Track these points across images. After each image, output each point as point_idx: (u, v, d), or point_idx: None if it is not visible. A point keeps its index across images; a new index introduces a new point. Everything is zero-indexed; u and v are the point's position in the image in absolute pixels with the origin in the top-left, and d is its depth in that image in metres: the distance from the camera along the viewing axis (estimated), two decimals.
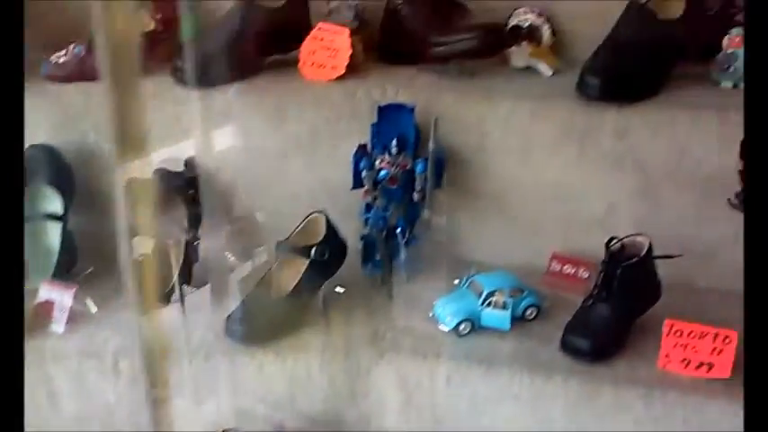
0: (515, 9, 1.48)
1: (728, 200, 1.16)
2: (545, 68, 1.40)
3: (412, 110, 1.26)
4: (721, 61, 1.30)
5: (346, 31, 1.35)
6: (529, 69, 1.42)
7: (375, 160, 1.25)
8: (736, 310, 1.13)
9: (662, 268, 1.25)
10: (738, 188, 1.15)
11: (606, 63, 1.24)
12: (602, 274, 1.14)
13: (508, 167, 1.32)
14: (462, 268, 1.26)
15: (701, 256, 1.30)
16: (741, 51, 1.28)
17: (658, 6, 1.33)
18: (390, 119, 1.26)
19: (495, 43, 1.32)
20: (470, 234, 1.37)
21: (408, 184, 1.26)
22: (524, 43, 1.44)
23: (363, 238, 1.31)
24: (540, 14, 1.47)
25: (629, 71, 1.24)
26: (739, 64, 1.29)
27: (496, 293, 1.17)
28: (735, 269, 1.19)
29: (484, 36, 1.30)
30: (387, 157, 1.24)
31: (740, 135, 1.13)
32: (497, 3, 1.50)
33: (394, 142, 1.24)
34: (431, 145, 1.23)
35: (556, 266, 1.30)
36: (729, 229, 1.24)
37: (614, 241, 1.14)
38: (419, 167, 1.24)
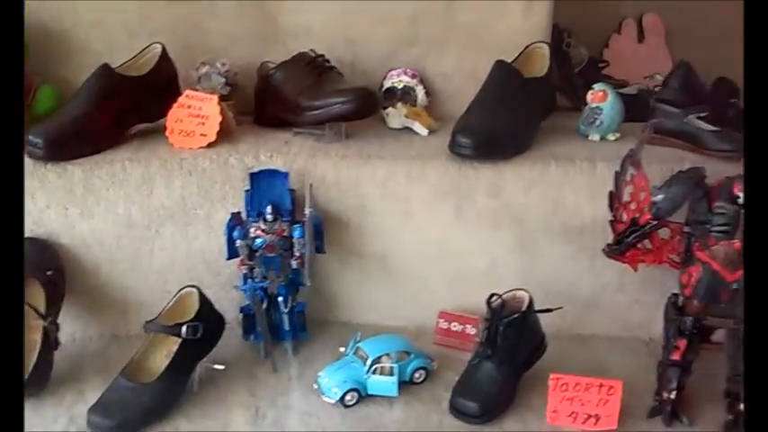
0: (389, 71, 1.49)
1: (603, 249, 1.17)
2: (420, 129, 1.40)
3: (286, 175, 1.22)
4: (587, 115, 1.35)
5: (215, 98, 1.31)
6: (406, 130, 1.43)
7: (250, 228, 1.19)
8: (622, 355, 1.14)
9: (547, 319, 1.25)
10: (610, 238, 1.17)
11: (476, 122, 1.26)
12: (485, 332, 1.12)
13: (390, 228, 1.30)
14: (350, 334, 1.21)
15: (585, 305, 1.31)
16: (604, 105, 1.33)
17: (523, 65, 1.37)
18: (264, 185, 1.22)
19: (367, 106, 1.31)
20: (358, 297, 1.34)
21: (287, 250, 1.21)
22: (399, 104, 1.45)
23: (243, 309, 1.24)
24: (413, 76, 1.49)
25: (499, 129, 1.26)
26: (604, 117, 1.34)
27: (383, 359, 1.13)
28: (617, 316, 1.22)
29: (356, 99, 1.30)
30: (262, 224, 1.19)
31: (608, 186, 1.17)
32: (372, 65, 1.52)
33: (269, 209, 1.20)
34: (307, 210, 1.19)
35: (444, 324, 1.28)
36: (608, 277, 1.27)
37: (494, 298, 1.12)
38: (296, 233, 1.20)
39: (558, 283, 1.30)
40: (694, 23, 2.08)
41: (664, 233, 1.13)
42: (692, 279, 1.04)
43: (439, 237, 1.29)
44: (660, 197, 1.03)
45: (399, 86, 1.47)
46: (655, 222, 1.06)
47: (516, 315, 1.11)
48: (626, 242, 1.09)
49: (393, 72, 1.49)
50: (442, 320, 1.28)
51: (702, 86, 1.37)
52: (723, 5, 2.05)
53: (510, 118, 1.28)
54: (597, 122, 1.33)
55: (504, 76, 1.30)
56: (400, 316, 1.34)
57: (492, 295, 1.13)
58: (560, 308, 1.16)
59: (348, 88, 1.33)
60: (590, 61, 1.80)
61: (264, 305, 1.22)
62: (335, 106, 1.30)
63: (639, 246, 1.12)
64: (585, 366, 1.19)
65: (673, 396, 1.08)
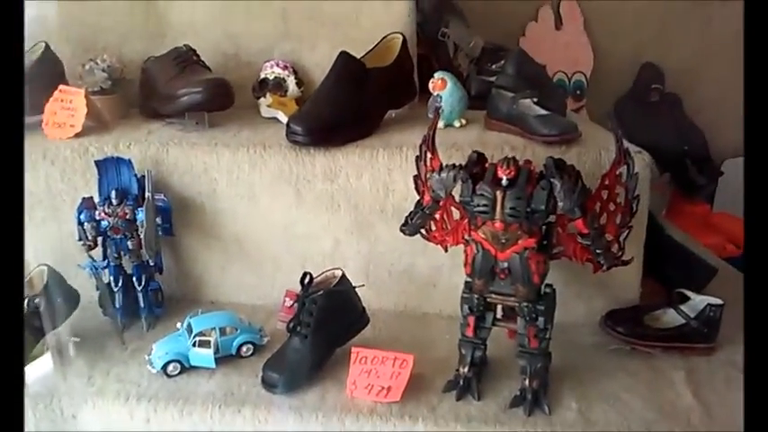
0: (264, 63, 1.57)
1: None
2: (283, 118, 1.48)
3: (129, 162, 1.32)
4: (430, 103, 1.40)
5: (82, 92, 1.41)
6: (275, 119, 1.50)
7: (96, 212, 1.29)
8: (455, 332, 1.19)
9: (392, 297, 1.33)
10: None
11: (311, 111, 1.33)
12: (297, 310, 1.19)
13: (240, 212, 1.38)
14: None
15: (425, 285, 1.37)
16: (443, 93, 1.38)
17: (379, 55, 1.43)
18: (111, 172, 1.32)
19: (217, 96, 1.39)
20: (221, 278, 1.43)
21: (132, 232, 1.31)
22: (268, 95, 1.53)
23: (99, 288, 1.35)
24: (285, 67, 1.56)
25: (334, 117, 1.32)
26: (444, 105, 1.38)
27: (205, 333, 1.22)
28: (454, 295, 1.27)
29: (205, 90, 1.38)
30: (107, 208, 1.29)
31: None
32: (254, 57, 1.60)
33: (113, 193, 1.29)
34: (147, 195, 1.29)
35: (288, 302, 1.35)
36: (442, 258, 1.32)
37: (307, 277, 1.19)
38: (139, 216, 1.29)
39: (398, 263, 1.36)
40: (613, 10, 2.09)
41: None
42: (469, 258, 1.08)
43: (284, 220, 1.37)
44: (435, 179, 1.08)
45: (271, 77, 1.55)
46: (432, 204, 1.11)
47: (320, 292, 1.18)
48: (412, 224, 1.14)
49: (267, 64, 1.57)
50: (287, 299, 1.36)
51: (539, 72, 1.40)
52: None
53: (348, 106, 1.34)
54: (440, 109, 1.38)
55: (344, 67, 1.36)
56: (260, 295, 1.42)
57: (305, 274, 1.20)
58: (362, 285, 1.22)
59: (201, 79, 1.41)
60: (486, 50, 1.82)
61: (119, 284, 1.32)
62: (188, 96, 1.39)
63: (439, 226, 1.17)
64: (414, 342, 1.26)
65: (466, 370, 1.13)
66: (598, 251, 1.03)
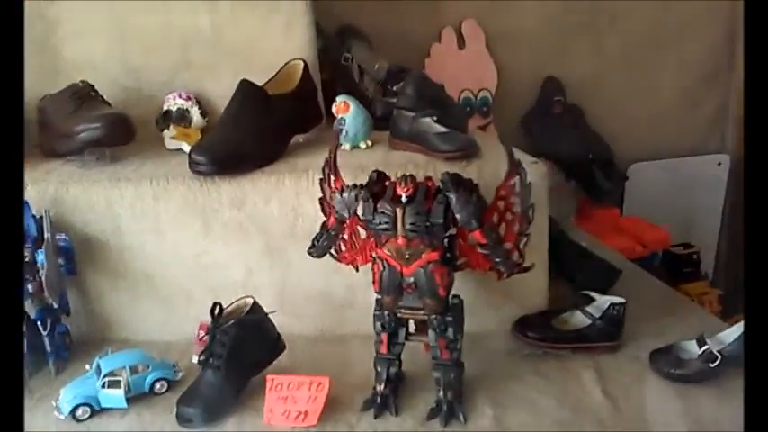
0: (167, 95, 1.56)
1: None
2: (187, 148, 1.46)
3: (25, 204, 1.28)
4: (335, 126, 1.42)
5: None
6: (180, 150, 1.49)
7: None
8: (371, 352, 1.19)
9: (304, 322, 1.32)
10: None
11: (213, 140, 1.32)
12: (208, 342, 1.17)
13: (147, 246, 1.35)
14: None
15: (341, 306, 1.37)
16: (347, 115, 1.40)
17: (281, 81, 1.44)
18: None
19: (116, 131, 1.37)
20: (132, 315, 1.39)
21: (36, 275, 1.26)
22: (172, 126, 1.51)
23: None
24: (188, 98, 1.55)
25: (236, 145, 1.32)
26: (348, 127, 1.40)
27: (115, 373, 1.18)
28: (369, 313, 1.27)
29: (104, 126, 1.36)
30: None
31: None
32: (156, 90, 1.58)
33: None
34: (46, 236, 1.25)
35: (201, 334, 1.33)
36: (355, 277, 1.32)
37: (217, 308, 1.18)
38: (39, 258, 1.25)
39: (313, 286, 1.36)
40: (514, 28, 2.16)
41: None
42: (377, 275, 1.10)
43: (193, 252, 1.35)
44: (337, 200, 1.09)
45: (174, 109, 1.53)
46: (336, 225, 1.12)
47: (231, 321, 1.16)
48: (319, 246, 1.14)
49: (169, 96, 1.56)
50: (200, 331, 1.33)
51: (438, 91, 1.44)
52: (541, 7, 2.15)
53: (251, 134, 1.34)
54: (343, 132, 1.40)
55: (245, 95, 1.36)
56: (173, 330, 1.39)
57: (215, 305, 1.19)
58: (274, 311, 1.21)
59: (99, 114, 1.38)
60: (391, 72, 1.86)
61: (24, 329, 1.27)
62: (86, 133, 1.36)
63: (348, 246, 1.18)
64: (333, 364, 1.25)
65: (382, 387, 1.14)
66: (497, 260, 1.06)
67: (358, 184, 1.10)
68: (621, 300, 1.26)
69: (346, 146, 1.42)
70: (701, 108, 2.38)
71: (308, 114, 1.46)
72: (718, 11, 2.28)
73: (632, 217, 2.17)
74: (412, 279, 1.08)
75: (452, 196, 1.03)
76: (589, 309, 1.27)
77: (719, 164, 2.39)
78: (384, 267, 1.08)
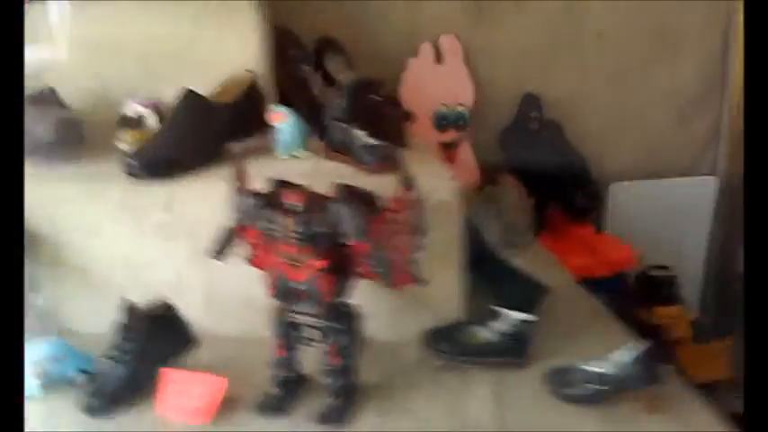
0: (129, 102, 1.64)
1: None
2: None
3: None
4: (271, 135, 1.47)
5: None
6: None
7: None
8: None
9: (229, 324, 1.37)
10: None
11: (149, 146, 1.40)
12: (117, 337, 1.24)
13: (86, 243, 1.42)
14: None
15: (262, 309, 1.41)
16: (283, 125, 1.45)
17: (227, 91, 1.50)
18: None
19: (67, 134, 1.46)
20: (58, 308, 1.46)
21: None
22: (127, 131, 1.59)
23: None
24: (147, 106, 1.62)
25: (172, 151, 1.38)
26: (283, 136, 1.45)
27: (35, 364, 1.25)
28: None
29: (55, 128, 1.45)
30: None
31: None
32: (116, 95, 1.66)
33: None
34: None
35: None
36: None
37: (128, 305, 1.24)
38: None
39: (238, 290, 1.41)
40: (496, 43, 2.18)
41: None
42: (270, 281, 1.14)
43: (127, 250, 1.42)
44: (234, 204, 1.14)
45: (130, 115, 1.61)
46: (234, 229, 1.17)
47: (141, 317, 1.22)
48: (218, 248, 1.19)
49: (131, 102, 1.63)
50: None
51: (373, 103, 1.47)
52: (524, 23, 2.16)
53: (189, 140, 1.40)
54: (281, 140, 1.45)
55: (186, 102, 1.43)
56: (106, 323, 1.45)
57: (126, 302, 1.25)
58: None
59: (50, 117, 1.47)
60: (359, 84, 1.89)
61: None
62: (37, 132, 1.44)
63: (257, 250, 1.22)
64: (248, 365, 1.29)
65: (277, 390, 1.18)
66: (380, 271, 1.09)
67: (257, 190, 1.14)
68: (530, 317, 1.27)
69: (283, 155, 1.46)
70: (691, 128, 2.34)
71: (253, 124, 1.51)
72: (710, 28, 2.25)
73: (605, 235, 2.15)
74: (303, 286, 1.11)
75: (340, 207, 1.06)
76: (497, 324, 1.28)
77: (705, 186, 2.35)
78: (277, 273, 1.12)
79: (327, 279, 1.10)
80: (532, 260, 1.78)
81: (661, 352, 1.76)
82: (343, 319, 1.13)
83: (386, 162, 1.33)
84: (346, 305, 1.15)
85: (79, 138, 1.48)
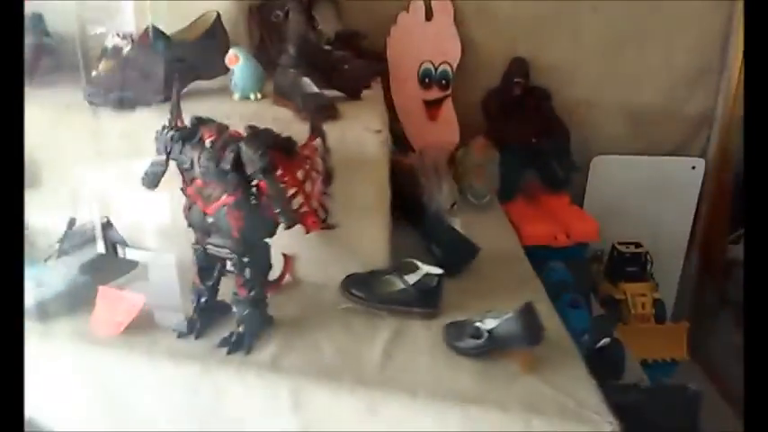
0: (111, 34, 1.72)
1: None
2: None
3: None
4: (229, 77, 1.53)
5: None
6: None
7: None
8: None
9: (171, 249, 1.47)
10: None
11: (106, 76, 1.48)
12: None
13: (51, 164, 1.53)
14: None
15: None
16: (236, 67, 1.51)
17: (185, 31, 1.57)
18: None
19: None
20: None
21: None
22: (104, 60, 1.68)
23: None
24: (125, 38, 1.70)
25: (129, 82, 1.47)
26: (237, 79, 1.51)
27: None
28: None
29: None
30: None
31: None
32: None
33: None
34: None
35: None
36: None
37: (72, 220, 1.35)
38: None
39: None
40: (488, 5, 2.18)
41: None
42: (186, 212, 1.22)
43: (84, 172, 1.52)
44: (156, 137, 1.22)
45: (110, 46, 1.69)
46: (159, 159, 1.24)
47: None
48: (147, 177, 1.27)
49: (110, 35, 1.72)
50: None
51: (322, 52, 1.51)
52: None
53: (146, 74, 1.49)
54: (233, 83, 1.51)
55: (147, 38, 1.50)
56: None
57: (70, 218, 1.35)
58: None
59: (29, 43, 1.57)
60: (341, 35, 1.93)
61: None
62: None
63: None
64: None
65: (192, 313, 1.27)
66: (278, 210, 1.16)
67: (179, 125, 1.21)
68: (438, 270, 1.32)
69: (236, 96, 1.53)
70: (684, 109, 2.31)
71: (215, 63, 1.57)
72: (712, 11, 2.20)
73: (576, 208, 2.17)
74: (212, 219, 1.19)
75: (243, 147, 1.13)
76: (408, 276, 1.33)
77: (693, 167, 2.32)
78: (191, 205, 1.20)
79: (234, 215, 1.17)
80: (485, 221, 1.83)
81: (603, 324, 1.82)
82: (251, 254, 1.21)
83: (318, 112, 1.37)
84: (254, 240, 1.23)
85: (55, 65, 1.57)
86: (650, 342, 2.10)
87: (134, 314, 1.26)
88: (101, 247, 1.39)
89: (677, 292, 2.44)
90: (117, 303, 1.29)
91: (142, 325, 1.28)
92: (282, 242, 1.37)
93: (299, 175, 1.19)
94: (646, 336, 2.09)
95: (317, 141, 1.17)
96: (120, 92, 1.46)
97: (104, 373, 1.25)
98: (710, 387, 2.20)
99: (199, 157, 1.15)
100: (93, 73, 1.65)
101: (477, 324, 1.21)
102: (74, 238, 1.40)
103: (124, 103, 1.47)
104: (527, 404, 1.09)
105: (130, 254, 1.45)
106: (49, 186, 1.55)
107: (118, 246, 1.41)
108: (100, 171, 1.51)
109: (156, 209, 1.39)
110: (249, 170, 1.14)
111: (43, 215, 1.56)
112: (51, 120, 1.50)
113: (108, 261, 1.38)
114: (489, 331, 1.18)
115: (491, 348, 1.18)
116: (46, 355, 1.26)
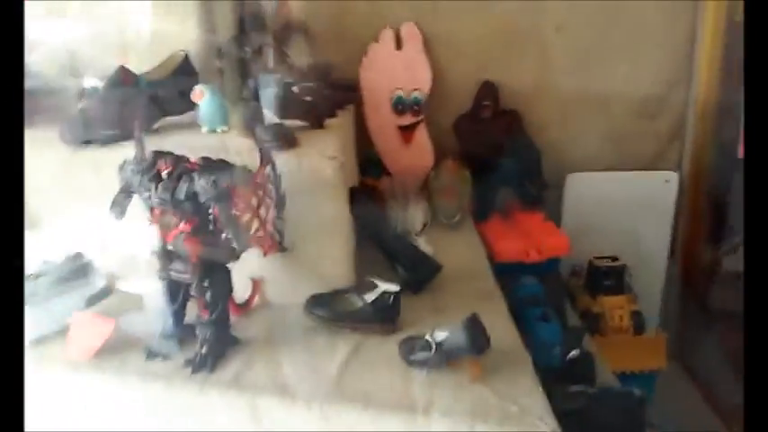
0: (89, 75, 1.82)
1: None
2: None
3: None
4: (196, 112, 1.61)
5: None
6: None
7: None
8: None
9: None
10: None
11: (79, 115, 1.57)
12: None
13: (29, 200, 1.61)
14: None
15: None
16: (202, 102, 1.58)
17: (156, 70, 1.66)
18: None
19: None
20: None
21: None
22: (83, 100, 1.77)
23: None
24: (102, 79, 1.80)
25: (98, 120, 1.55)
26: (203, 113, 1.59)
27: None
28: None
29: None
30: None
31: None
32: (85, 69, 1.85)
33: None
34: None
35: None
36: None
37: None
38: None
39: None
40: (456, 32, 2.26)
41: None
42: (151, 241, 1.29)
43: (59, 208, 1.60)
44: (120, 170, 1.29)
45: (89, 87, 1.79)
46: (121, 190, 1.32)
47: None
48: (114, 208, 1.34)
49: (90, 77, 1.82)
50: None
51: (284, 85, 1.59)
52: (483, 13, 2.23)
53: (114, 112, 1.57)
54: (200, 117, 1.59)
55: (116, 78, 1.59)
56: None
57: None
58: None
59: None
60: (312, 67, 2.02)
61: None
62: None
63: None
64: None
65: (162, 338, 1.34)
66: (229, 236, 1.22)
67: (140, 159, 1.29)
68: (395, 288, 1.38)
69: (204, 128, 1.61)
70: (655, 123, 2.37)
71: (182, 100, 1.65)
72: (675, 26, 2.26)
73: (549, 224, 2.22)
74: (171, 246, 1.26)
75: (196, 177, 1.20)
76: (366, 294, 1.39)
77: (667, 181, 2.37)
78: (155, 233, 1.28)
79: (191, 241, 1.24)
80: (455, 240, 1.89)
81: (573, 337, 1.86)
82: (210, 278, 1.27)
83: (275, 143, 1.45)
84: (213, 264, 1.29)
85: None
86: (629, 354, 2.14)
87: (105, 337, 1.33)
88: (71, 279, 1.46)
89: (661, 302, 2.47)
90: (89, 327, 1.35)
91: (113, 347, 1.34)
92: (251, 266, 1.45)
93: (254, 201, 1.26)
94: (624, 347, 2.13)
95: (268, 169, 1.24)
96: (87, 130, 1.55)
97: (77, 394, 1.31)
98: (695, 394, 2.23)
99: (156, 188, 1.22)
100: (72, 112, 1.75)
101: (427, 338, 1.26)
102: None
103: (90, 141, 1.55)
104: (472, 411, 1.14)
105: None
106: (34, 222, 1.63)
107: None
108: (77, 207, 1.58)
109: (122, 239, 1.47)
110: (202, 198, 1.21)
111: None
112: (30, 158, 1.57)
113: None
114: (438, 344, 1.23)
115: (441, 360, 1.23)
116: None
